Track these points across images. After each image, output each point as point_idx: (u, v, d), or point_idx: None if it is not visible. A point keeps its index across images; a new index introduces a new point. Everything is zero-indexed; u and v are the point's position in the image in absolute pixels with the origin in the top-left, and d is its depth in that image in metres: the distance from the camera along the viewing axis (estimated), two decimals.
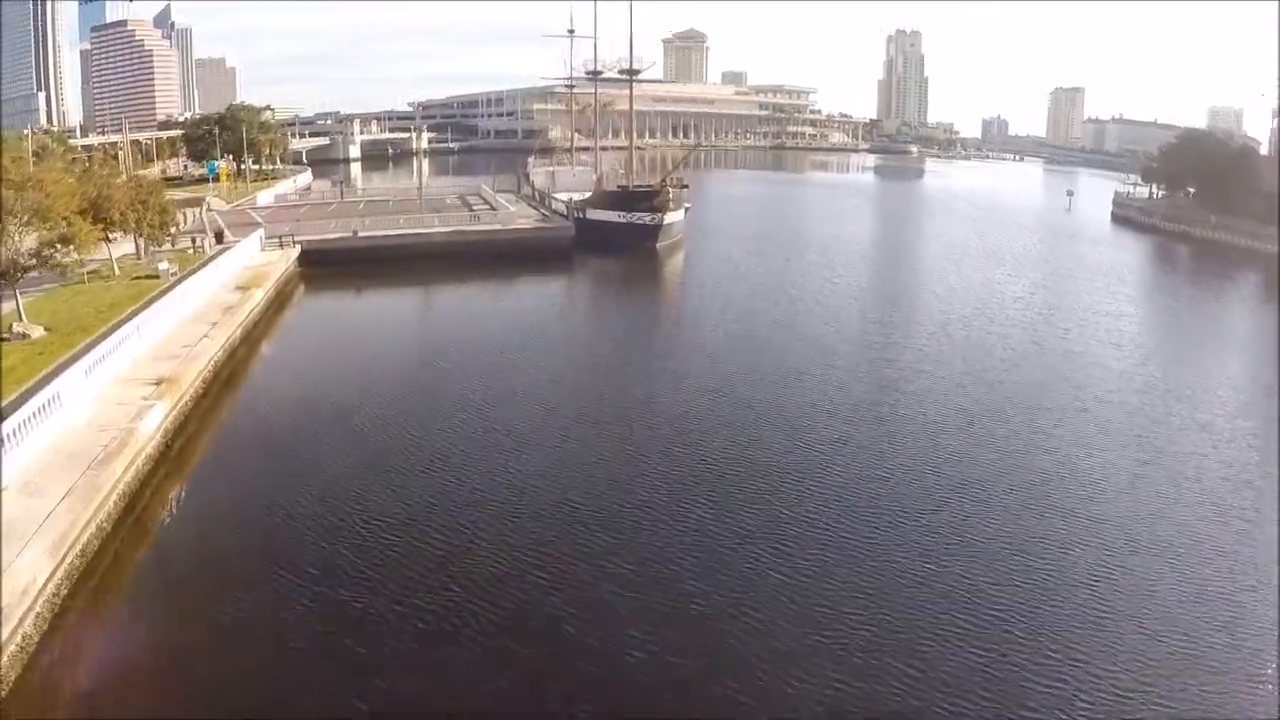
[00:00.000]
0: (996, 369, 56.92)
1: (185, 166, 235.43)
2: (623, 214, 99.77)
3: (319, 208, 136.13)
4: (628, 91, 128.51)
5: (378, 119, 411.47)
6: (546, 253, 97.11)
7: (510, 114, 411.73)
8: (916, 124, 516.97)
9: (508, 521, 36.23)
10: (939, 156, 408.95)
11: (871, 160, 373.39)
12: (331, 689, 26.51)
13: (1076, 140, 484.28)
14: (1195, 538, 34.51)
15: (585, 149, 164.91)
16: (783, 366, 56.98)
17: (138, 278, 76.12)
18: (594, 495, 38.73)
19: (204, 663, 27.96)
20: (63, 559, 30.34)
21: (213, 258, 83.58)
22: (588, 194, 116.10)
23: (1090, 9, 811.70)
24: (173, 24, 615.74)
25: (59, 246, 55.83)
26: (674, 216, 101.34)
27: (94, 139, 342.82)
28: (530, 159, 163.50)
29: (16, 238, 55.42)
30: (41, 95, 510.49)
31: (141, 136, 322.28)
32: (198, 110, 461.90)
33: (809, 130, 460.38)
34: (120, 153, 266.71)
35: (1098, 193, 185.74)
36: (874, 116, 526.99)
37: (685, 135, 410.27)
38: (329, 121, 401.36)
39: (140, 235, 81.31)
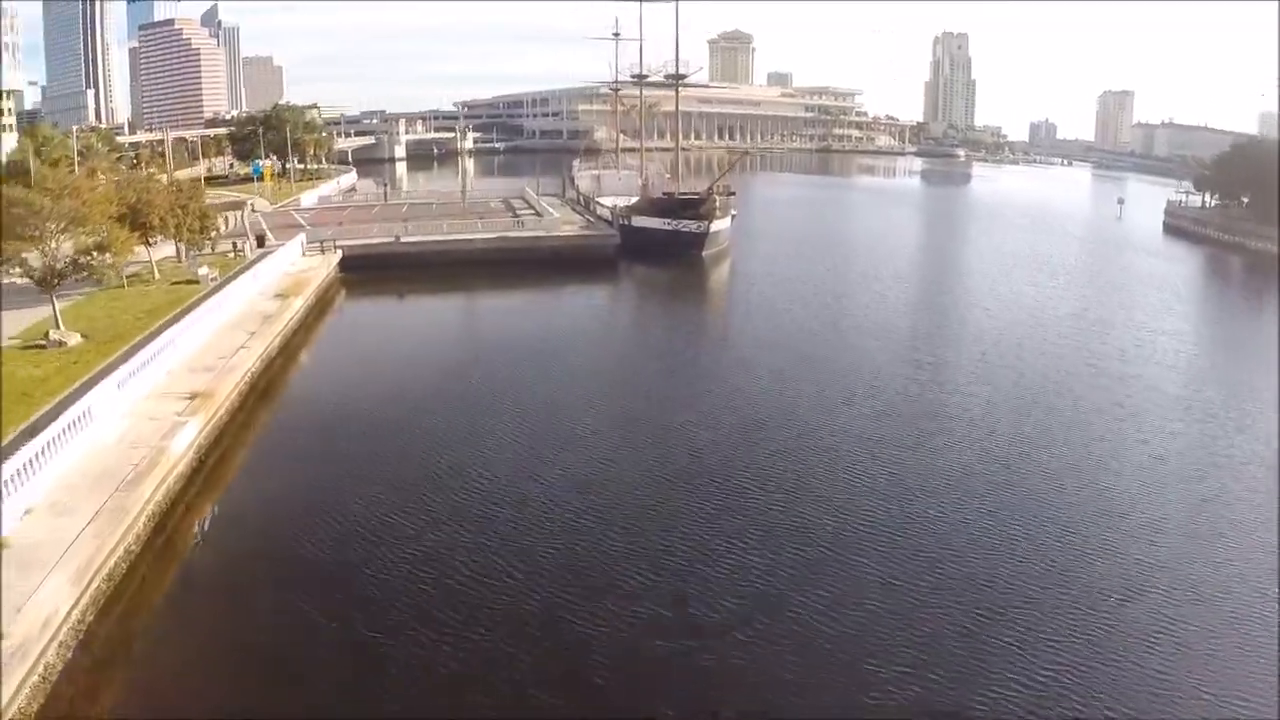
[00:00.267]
0: (1051, 393, 54.23)
1: (231, 165, 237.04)
2: (668, 221, 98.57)
3: (362, 210, 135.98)
4: (673, 94, 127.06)
5: (423, 119, 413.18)
6: (591, 260, 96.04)
7: (555, 114, 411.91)
8: (963, 127, 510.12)
9: (550, 544, 35.12)
10: (986, 160, 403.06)
11: (918, 164, 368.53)
12: None
13: (1125, 145, 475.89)
14: (1258, 589, 32.28)
15: (631, 150, 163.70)
16: (830, 388, 54.76)
17: (177, 283, 75.95)
18: (635, 514, 37.59)
19: (228, 692, 27.22)
20: (87, 586, 29.53)
21: (253, 262, 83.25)
22: (633, 199, 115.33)
23: (1139, 9, 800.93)
24: (219, 22, 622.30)
25: (95, 254, 55.34)
26: (720, 224, 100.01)
27: (141, 136, 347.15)
28: (575, 162, 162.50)
29: (54, 244, 55.15)
30: (90, 93, 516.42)
31: (188, 134, 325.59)
32: (244, 108, 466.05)
33: (855, 133, 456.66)
34: (168, 150, 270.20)
35: (1148, 200, 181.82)
36: (920, 119, 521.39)
37: (731, 137, 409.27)
38: (374, 121, 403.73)
39: (180, 240, 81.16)
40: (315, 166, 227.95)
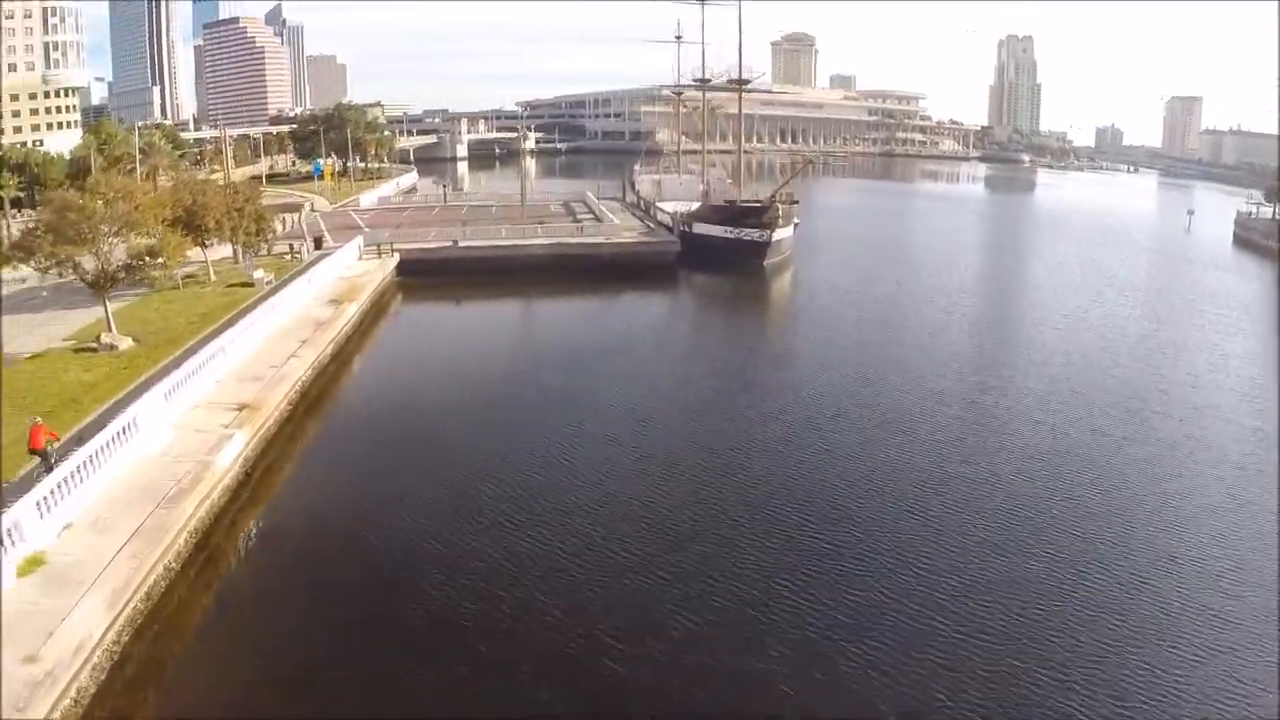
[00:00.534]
0: (1122, 423, 51.28)
1: (293, 162, 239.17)
2: (730, 229, 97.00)
3: (421, 211, 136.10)
4: (736, 96, 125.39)
5: (485, 118, 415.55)
6: (650, 267, 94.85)
7: (618, 115, 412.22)
8: (1029, 132, 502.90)
9: (597, 578, 33.78)
10: (1051, 166, 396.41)
11: (982, 170, 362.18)
12: None
13: (1193, 151, 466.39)
14: None
15: (692, 152, 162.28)
16: (890, 416, 52.02)
17: (232, 285, 76.04)
18: (687, 552, 35.91)
19: (263, 718, 26.74)
20: (123, 608, 28.88)
21: (309, 265, 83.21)
22: (694, 204, 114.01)
23: (1207, 9, 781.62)
24: (284, 21, 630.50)
25: (148, 259, 55.11)
26: (783, 233, 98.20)
27: (206, 132, 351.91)
28: (636, 166, 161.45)
29: (106, 248, 55.01)
30: (156, 89, 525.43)
31: (252, 131, 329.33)
32: (308, 106, 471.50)
33: (919, 137, 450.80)
34: (227, 147, 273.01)
35: (1216, 210, 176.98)
36: (985, 123, 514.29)
37: (793, 140, 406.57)
38: (437, 120, 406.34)
39: (236, 243, 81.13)
40: (376, 165, 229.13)
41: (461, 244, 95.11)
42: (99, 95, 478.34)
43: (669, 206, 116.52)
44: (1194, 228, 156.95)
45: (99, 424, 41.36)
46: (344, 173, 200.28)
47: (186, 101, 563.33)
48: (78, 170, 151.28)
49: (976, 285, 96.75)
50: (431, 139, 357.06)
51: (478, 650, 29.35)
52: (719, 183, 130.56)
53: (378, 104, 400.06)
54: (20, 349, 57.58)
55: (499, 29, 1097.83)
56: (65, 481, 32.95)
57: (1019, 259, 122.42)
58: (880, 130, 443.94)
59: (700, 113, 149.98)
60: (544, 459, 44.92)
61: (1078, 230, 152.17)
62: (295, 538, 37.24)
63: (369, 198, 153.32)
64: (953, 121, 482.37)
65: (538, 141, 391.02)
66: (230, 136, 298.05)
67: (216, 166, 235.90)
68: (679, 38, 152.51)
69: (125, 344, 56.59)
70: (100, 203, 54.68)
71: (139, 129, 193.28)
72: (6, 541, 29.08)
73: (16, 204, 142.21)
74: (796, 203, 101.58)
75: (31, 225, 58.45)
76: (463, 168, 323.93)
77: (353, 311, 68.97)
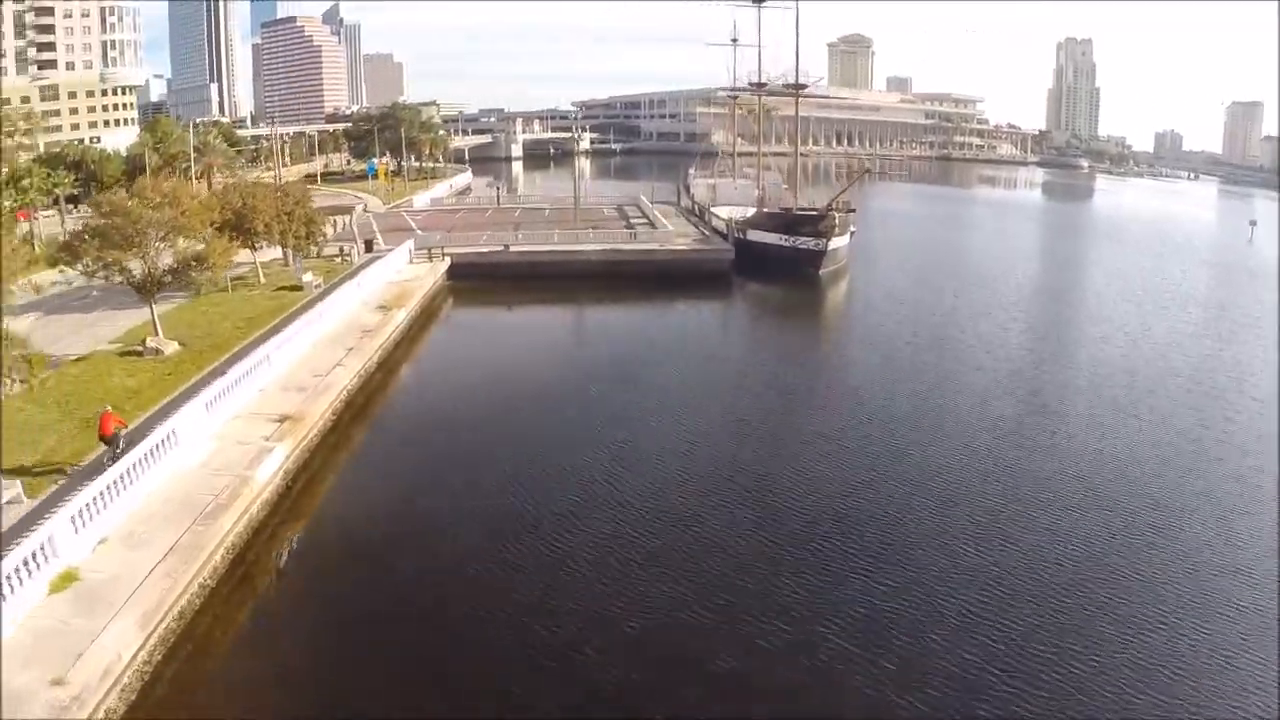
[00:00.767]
0: (1185, 453, 48.49)
1: (348, 161, 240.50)
2: (785, 237, 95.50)
3: (474, 213, 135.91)
4: (791, 99, 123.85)
5: (540, 118, 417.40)
6: (703, 275, 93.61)
7: (673, 116, 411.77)
8: (1087, 137, 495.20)
9: (641, 611, 32.50)
10: (1110, 173, 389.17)
11: (1039, 175, 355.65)
12: None
13: (1255, 158, 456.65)
14: None
15: (747, 154, 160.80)
16: (944, 439, 49.76)
17: (281, 288, 75.89)
18: (731, 577, 34.72)
19: None
20: (155, 628, 28.28)
21: (359, 269, 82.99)
22: (748, 209, 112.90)
23: (1269, 9, 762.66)
24: (341, 20, 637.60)
25: (194, 264, 54.84)
26: (838, 242, 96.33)
27: (262, 130, 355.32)
28: (691, 170, 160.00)
29: (153, 253, 54.81)
30: (214, 87, 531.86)
31: (308, 129, 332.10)
32: (364, 104, 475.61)
33: (976, 141, 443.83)
34: (278, 148, 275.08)
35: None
36: (1043, 128, 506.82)
37: (849, 143, 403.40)
38: (492, 120, 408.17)
39: (285, 246, 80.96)
40: (431, 165, 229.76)
41: (513, 248, 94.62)
42: (158, 92, 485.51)
43: (724, 212, 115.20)
44: (1256, 239, 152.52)
45: (140, 433, 41.10)
46: (398, 172, 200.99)
47: (244, 99, 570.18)
48: (133, 168, 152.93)
49: (1034, 298, 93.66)
50: (486, 139, 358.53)
51: (516, 686, 28.50)
52: (774, 187, 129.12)
53: (433, 103, 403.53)
54: (67, 350, 57.71)
55: (556, 29, 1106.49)
56: (102, 495, 32.55)
57: (1078, 269, 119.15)
58: (937, 133, 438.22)
59: (756, 117, 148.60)
60: (589, 478, 43.82)
61: (1138, 239, 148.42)
62: (333, 556, 36.56)
63: (422, 199, 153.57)
64: (1010, 125, 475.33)
65: (592, 142, 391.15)
66: (286, 135, 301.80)
67: (271, 164, 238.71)
68: (735, 41, 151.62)
69: (171, 348, 56.43)
70: (147, 208, 54.24)
71: (195, 126, 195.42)
72: (36, 560, 28.75)
73: (73, 200, 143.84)
74: (853, 210, 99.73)
75: (79, 228, 58.25)
76: (517, 168, 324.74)
77: (401, 318, 68.32)
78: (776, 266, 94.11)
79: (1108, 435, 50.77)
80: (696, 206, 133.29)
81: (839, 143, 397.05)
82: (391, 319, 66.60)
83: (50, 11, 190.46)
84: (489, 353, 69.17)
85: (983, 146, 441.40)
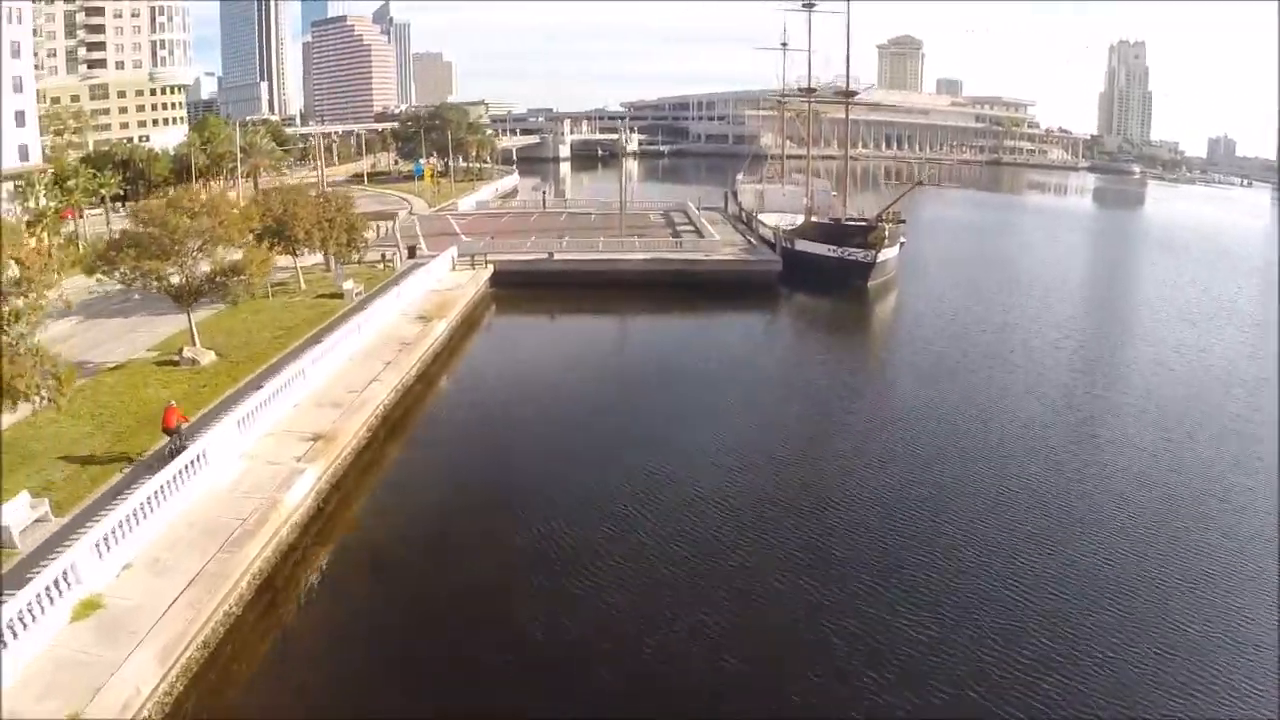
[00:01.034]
0: (1244, 490, 45.57)
1: (396, 161, 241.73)
2: (834, 248, 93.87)
3: (519, 218, 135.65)
4: (840, 104, 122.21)
5: (588, 118, 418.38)
6: (750, 286, 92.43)
7: (721, 118, 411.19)
8: (1139, 142, 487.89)
9: (692, 650, 31.53)
10: (1163, 179, 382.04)
11: (1090, 180, 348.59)
12: None
13: None
14: None
15: (796, 156, 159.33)
16: (996, 472, 47.38)
17: (321, 296, 75.77)
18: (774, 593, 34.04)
19: None
20: (176, 660, 27.74)
21: (401, 276, 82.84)
22: (796, 216, 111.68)
23: None
24: (391, 19, 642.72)
25: (231, 275, 54.48)
26: (888, 253, 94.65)
27: (311, 128, 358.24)
28: (739, 176, 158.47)
29: (190, 262, 54.52)
30: (264, 85, 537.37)
31: (357, 128, 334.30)
32: (413, 103, 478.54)
33: (1027, 145, 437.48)
34: (321, 150, 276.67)
35: None
36: (1094, 132, 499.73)
37: (898, 147, 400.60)
38: (540, 120, 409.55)
39: (326, 253, 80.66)
40: (478, 166, 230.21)
41: (557, 256, 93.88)
42: (209, 90, 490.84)
43: (771, 219, 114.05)
44: None
45: (170, 450, 40.69)
46: (445, 173, 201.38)
47: (294, 97, 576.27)
48: (181, 167, 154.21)
49: (1087, 314, 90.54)
50: (534, 139, 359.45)
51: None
52: (823, 194, 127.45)
53: (482, 103, 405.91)
54: (105, 358, 57.82)
55: (605, 29, 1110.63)
56: (128, 520, 32.09)
57: (1131, 284, 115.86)
58: (987, 138, 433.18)
59: (805, 121, 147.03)
60: (629, 503, 42.59)
61: (1192, 251, 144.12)
62: (362, 582, 35.97)
63: (467, 202, 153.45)
64: (1061, 130, 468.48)
65: (640, 143, 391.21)
66: (335, 134, 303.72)
67: (313, 168, 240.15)
68: (784, 45, 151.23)
69: (207, 358, 56.18)
70: (185, 217, 53.92)
71: (242, 126, 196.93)
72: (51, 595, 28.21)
73: (121, 199, 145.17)
74: (903, 222, 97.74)
75: (118, 235, 58.08)
76: (565, 168, 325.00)
77: (441, 330, 67.62)
78: (824, 278, 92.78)
79: (1160, 466, 48.71)
80: (744, 213, 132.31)
81: (888, 146, 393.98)
82: (431, 331, 65.92)
83: (100, 11, 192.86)
84: (529, 365, 68.22)
85: (1033, 151, 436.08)
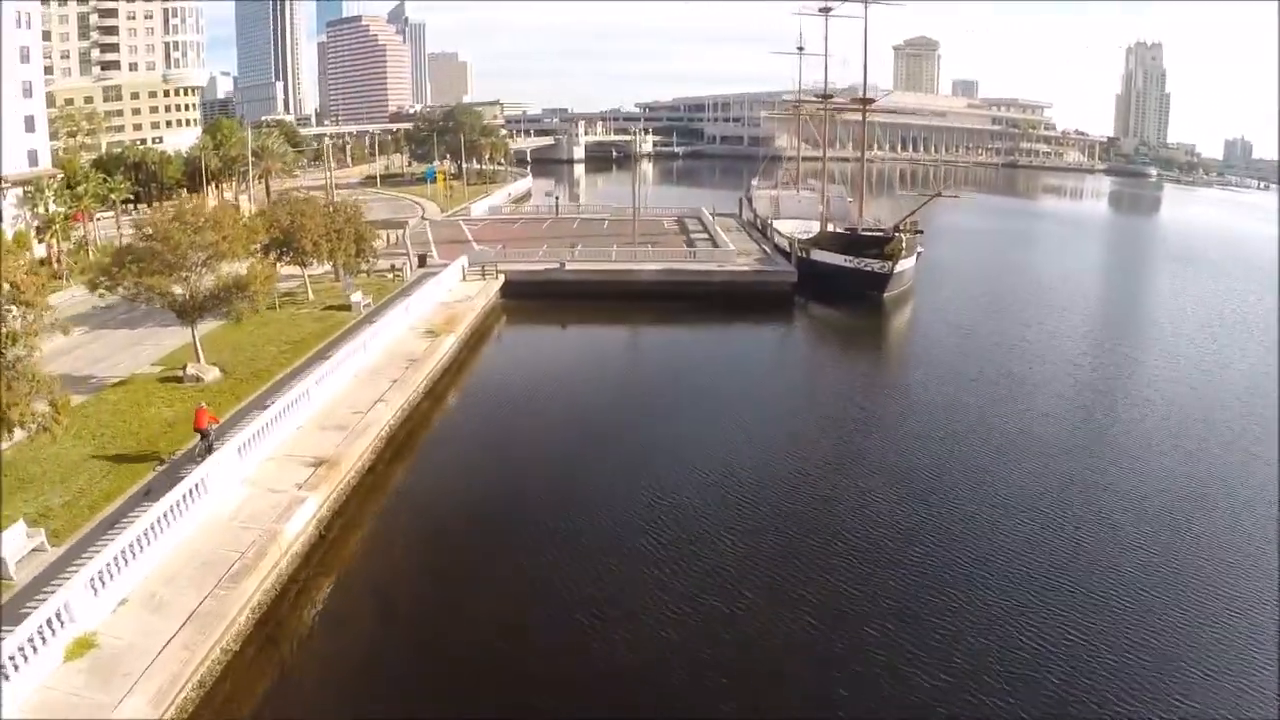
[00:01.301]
0: (1265, 520, 44.01)
1: (409, 163, 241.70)
2: (850, 259, 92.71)
3: (532, 224, 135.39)
4: (858, 109, 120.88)
5: (603, 119, 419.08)
6: (764, 298, 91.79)
7: (736, 120, 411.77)
8: (1156, 144, 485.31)
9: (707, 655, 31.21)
10: (1179, 182, 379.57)
11: (1106, 184, 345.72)
12: None
13: None
14: None
15: (812, 158, 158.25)
16: (1010, 505, 45.47)
17: (329, 307, 75.20)
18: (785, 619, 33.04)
19: None
20: (171, 702, 27.03)
21: (410, 287, 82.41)
22: (812, 224, 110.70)
23: None
24: (406, 19, 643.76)
25: (235, 291, 53.84)
26: (905, 264, 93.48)
27: (326, 128, 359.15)
28: (754, 181, 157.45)
29: (194, 278, 53.92)
30: (279, 85, 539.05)
31: (371, 128, 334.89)
32: (429, 102, 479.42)
33: (1043, 148, 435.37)
34: (329, 156, 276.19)
35: None
36: (1111, 134, 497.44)
37: (914, 149, 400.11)
38: (555, 120, 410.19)
39: (335, 264, 79.99)
40: (491, 169, 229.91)
41: (569, 266, 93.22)
42: (224, 89, 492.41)
43: (786, 226, 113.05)
44: None
45: (170, 477, 40.08)
46: (458, 176, 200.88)
47: (309, 97, 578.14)
48: (193, 170, 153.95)
49: (1107, 331, 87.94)
50: (548, 140, 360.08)
51: None
52: (839, 200, 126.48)
53: (496, 102, 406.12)
54: (109, 373, 57.40)
55: (620, 29, 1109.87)
56: (124, 553, 31.46)
57: (1151, 297, 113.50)
58: (1003, 139, 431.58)
59: (821, 127, 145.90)
60: (641, 530, 41.79)
61: (1212, 261, 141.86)
62: (363, 616, 35.23)
63: (479, 207, 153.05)
64: (1078, 132, 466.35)
65: (655, 145, 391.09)
66: (349, 134, 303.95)
67: (334, 163, 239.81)
68: (801, 49, 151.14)
69: (211, 375, 55.61)
70: (189, 232, 53.28)
71: (256, 127, 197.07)
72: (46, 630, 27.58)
73: (134, 200, 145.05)
74: (921, 232, 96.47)
75: (121, 248, 57.56)
76: (579, 170, 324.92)
77: (449, 345, 66.78)
78: (840, 288, 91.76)
79: (1187, 497, 47.15)
80: (759, 220, 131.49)
81: (904, 148, 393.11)
82: (439, 347, 65.03)
83: (114, 13, 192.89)
84: (538, 381, 67.00)
85: (1049, 153, 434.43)
